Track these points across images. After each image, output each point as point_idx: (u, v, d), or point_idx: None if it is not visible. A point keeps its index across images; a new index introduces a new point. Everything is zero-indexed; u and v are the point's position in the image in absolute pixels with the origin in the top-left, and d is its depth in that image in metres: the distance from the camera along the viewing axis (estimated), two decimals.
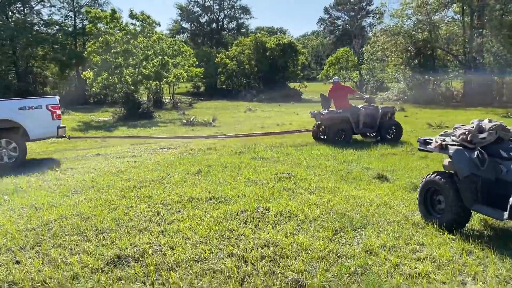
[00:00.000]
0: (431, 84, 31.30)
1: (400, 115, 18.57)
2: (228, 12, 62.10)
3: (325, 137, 10.76)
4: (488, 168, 4.01)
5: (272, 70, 38.89)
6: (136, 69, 22.08)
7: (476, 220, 4.50)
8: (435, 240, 3.92)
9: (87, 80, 21.92)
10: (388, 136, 10.74)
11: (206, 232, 4.25)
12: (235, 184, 6.32)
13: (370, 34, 42.03)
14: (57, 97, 9.20)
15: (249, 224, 4.51)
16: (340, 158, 8.43)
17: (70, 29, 36.00)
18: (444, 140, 4.46)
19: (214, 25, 61.45)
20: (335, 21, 76.65)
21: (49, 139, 10.31)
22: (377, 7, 40.09)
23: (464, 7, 29.68)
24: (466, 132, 4.31)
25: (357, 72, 43.46)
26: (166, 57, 24.27)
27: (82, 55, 25.77)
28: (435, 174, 4.46)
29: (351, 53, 43.73)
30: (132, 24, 24.32)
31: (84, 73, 22.41)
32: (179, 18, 61.12)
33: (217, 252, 3.81)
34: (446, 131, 4.75)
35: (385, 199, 5.39)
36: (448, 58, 32.41)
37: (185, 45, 32.30)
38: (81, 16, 36.21)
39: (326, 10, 77.06)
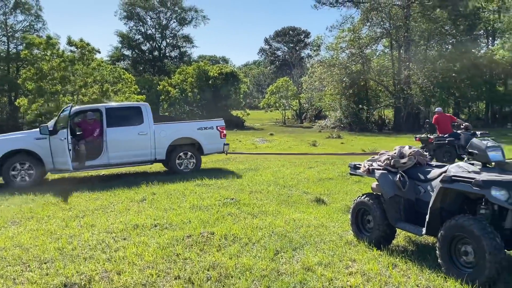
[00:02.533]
0: (365, 112, 33.33)
1: (337, 142, 19.65)
2: (171, 41, 62.33)
3: (432, 157, 11.65)
4: (408, 189, 4.54)
5: (215, 98, 39.40)
6: (74, 96, 21.52)
7: (401, 237, 4.99)
8: (365, 256, 4.32)
9: (21, 108, 20.97)
10: None
11: (152, 257, 4.36)
12: (180, 210, 6.45)
13: (308, 65, 44.04)
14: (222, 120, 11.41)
15: (194, 248, 4.67)
16: (281, 184, 8.83)
17: (2, 54, 34.33)
18: (371, 165, 4.96)
19: (156, 53, 61.26)
20: (275, 51, 79.61)
21: None
22: (314, 40, 42.34)
23: (393, 42, 32.29)
24: (390, 158, 4.84)
25: (297, 100, 45.22)
26: (106, 84, 23.91)
27: (16, 82, 24.68)
28: (365, 196, 4.92)
29: (291, 82, 45.51)
30: (71, 51, 23.82)
31: (18, 100, 21.45)
32: (120, 45, 60.32)
33: (164, 275, 3.93)
34: (374, 157, 5.28)
35: (322, 220, 5.79)
36: (380, 88, 34.78)
37: (126, 72, 31.98)
38: (15, 41, 34.73)
39: (266, 41, 79.95)
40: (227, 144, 11.15)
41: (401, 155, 4.84)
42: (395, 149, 4.99)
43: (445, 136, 12.20)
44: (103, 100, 23.72)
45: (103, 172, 10.96)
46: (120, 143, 9.82)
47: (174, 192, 7.92)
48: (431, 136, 12.35)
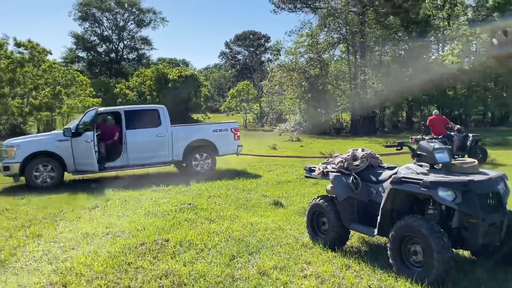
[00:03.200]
0: (323, 116, 33.96)
1: (296, 145, 19.87)
2: (128, 43, 61.02)
3: None
4: (361, 191, 4.61)
5: (175, 101, 38.78)
6: (24, 99, 20.53)
7: (355, 238, 5.07)
8: (320, 258, 4.35)
9: None
10: (478, 158, 12.33)
11: (102, 267, 4.18)
12: (135, 217, 6.26)
13: (268, 69, 44.43)
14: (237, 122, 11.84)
15: (148, 256, 4.53)
16: (240, 187, 8.78)
17: None
18: (325, 167, 5.02)
19: (113, 55, 59.74)
20: (236, 55, 79.70)
21: None
22: (273, 44, 42.75)
23: (349, 47, 33.13)
24: (343, 160, 4.91)
25: (258, 104, 45.44)
26: (58, 87, 22.97)
27: None
28: (320, 198, 4.97)
29: (251, 86, 45.70)
30: (19, 52, 22.71)
31: None
32: (75, 46, 58.31)
33: (113, 286, 3.77)
34: (328, 159, 5.34)
35: (279, 223, 5.79)
36: (337, 92, 35.57)
37: (80, 74, 30.91)
38: None
39: (227, 45, 79.86)
40: (241, 146, 11.48)
41: (354, 158, 4.92)
42: (348, 152, 5.07)
43: (439, 137, 12.66)
44: (55, 104, 22.82)
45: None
46: (139, 145, 10.07)
47: (129, 198, 7.69)
48: (426, 137, 12.77)
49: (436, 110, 14.60)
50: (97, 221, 6.00)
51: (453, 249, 3.68)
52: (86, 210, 6.76)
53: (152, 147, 10.20)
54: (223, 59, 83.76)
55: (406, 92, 33.29)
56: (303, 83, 33.13)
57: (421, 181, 3.68)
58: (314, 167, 5.17)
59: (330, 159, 5.26)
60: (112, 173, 10.64)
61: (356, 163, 4.81)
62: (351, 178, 4.62)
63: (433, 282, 3.47)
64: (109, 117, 10.47)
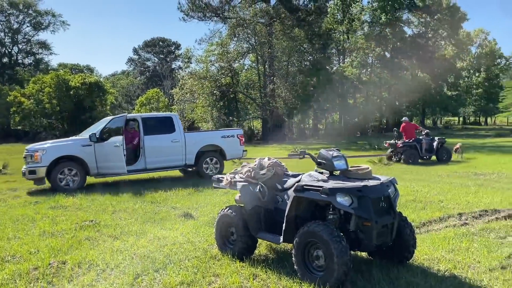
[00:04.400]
0: (235, 124, 34.38)
1: None
2: (24, 47, 56.01)
3: (399, 159, 14.68)
4: (268, 199, 4.70)
5: (78, 110, 36.53)
6: None
7: (263, 246, 5.15)
8: (228, 270, 4.33)
9: None
10: (444, 158, 14.64)
11: None
12: (27, 238, 5.69)
13: (179, 77, 43.84)
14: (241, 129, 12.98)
15: (41, 282, 4.13)
16: (148, 200, 8.47)
17: None
18: (233, 177, 5.03)
19: (6, 60, 54.34)
20: (145, 62, 77.43)
21: None
22: (184, 52, 42.23)
23: (258, 57, 34.04)
24: (251, 170, 4.96)
25: (169, 112, 44.54)
26: None
27: None
28: (228, 208, 4.96)
29: (162, 94, 44.69)
30: None
31: None
32: None
33: None
34: (236, 169, 5.36)
35: (189, 236, 5.67)
36: (248, 101, 36.31)
37: None
38: None
39: (135, 51, 77.31)
40: (245, 151, 12.49)
41: (261, 167, 5.00)
42: (255, 161, 5.15)
43: (410, 141, 14.53)
44: None
45: None
46: (156, 150, 10.83)
47: (21, 217, 6.98)
48: (399, 142, 14.70)
49: (405, 118, 16.31)
50: None
51: (352, 252, 3.90)
52: None
53: (167, 152, 10.99)
54: (132, 65, 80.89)
55: (312, 101, 35.13)
56: (215, 92, 33.27)
57: (321, 188, 3.85)
58: (223, 177, 5.16)
59: (238, 169, 5.29)
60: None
61: (262, 172, 4.89)
62: (258, 187, 4.69)
63: (334, 285, 3.64)
64: (131, 122, 11.01)
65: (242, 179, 4.90)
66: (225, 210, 4.96)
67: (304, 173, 4.53)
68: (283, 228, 4.23)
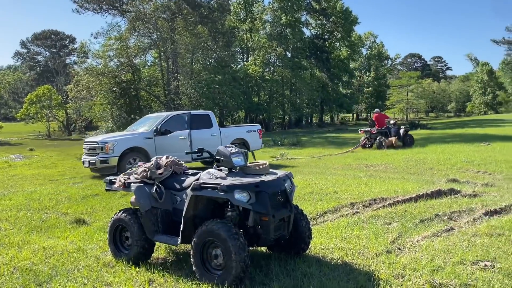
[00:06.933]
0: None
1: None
2: None
3: (372, 146, 17.24)
4: (166, 200, 4.50)
5: None
6: None
7: (162, 249, 4.93)
8: (123, 277, 4.05)
9: None
10: (408, 142, 17.35)
11: None
12: None
13: (74, 72, 40.73)
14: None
15: None
16: (35, 207, 7.69)
17: None
18: (128, 178, 4.73)
19: None
20: (35, 56, 70.79)
21: None
22: (79, 46, 39.30)
23: (161, 53, 33.00)
24: (147, 169, 4.71)
25: (63, 111, 41.17)
26: None
27: None
28: (122, 211, 4.65)
29: (54, 91, 41.08)
30: None
31: None
32: None
33: None
34: (131, 169, 5.05)
35: (79, 244, 5.22)
36: (152, 98, 35.04)
37: None
38: None
39: (23, 44, 70.27)
40: (263, 144, 14.35)
41: (158, 166, 4.77)
42: (152, 160, 4.90)
43: (382, 129, 17.51)
44: None
45: None
46: (201, 142, 11.54)
47: None
48: (373, 129, 17.65)
49: (377, 109, 20.06)
50: None
51: (250, 247, 3.89)
52: None
53: (209, 144, 11.58)
54: (19, 60, 73.43)
55: (217, 99, 35.14)
56: (114, 88, 31.49)
57: (219, 186, 3.78)
58: (115, 179, 4.83)
59: (133, 169, 5.00)
60: None
61: (159, 171, 4.67)
62: (154, 187, 4.46)
63: (232, 282, 3.59)
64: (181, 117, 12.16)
65: (138, 180, 4.64)
66: (119, 214, 4.65)
67: (203, 171, 4.42)
68: (181, 228, 4.08)
